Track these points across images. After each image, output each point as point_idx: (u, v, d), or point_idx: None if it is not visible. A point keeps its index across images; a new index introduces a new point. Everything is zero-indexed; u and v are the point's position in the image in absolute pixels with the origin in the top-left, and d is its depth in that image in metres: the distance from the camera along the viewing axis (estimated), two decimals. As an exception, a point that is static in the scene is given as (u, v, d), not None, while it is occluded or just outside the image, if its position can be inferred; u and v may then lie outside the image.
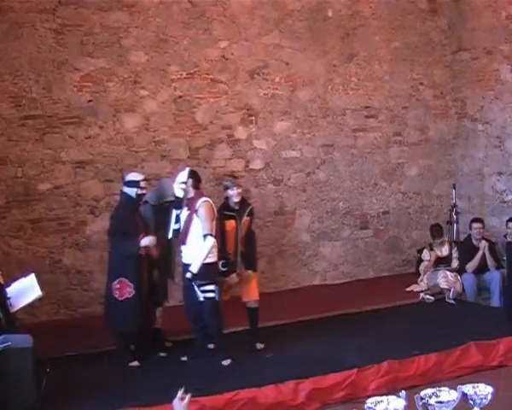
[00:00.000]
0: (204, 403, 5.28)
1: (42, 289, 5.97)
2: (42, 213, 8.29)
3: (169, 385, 5.67)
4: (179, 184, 6.13)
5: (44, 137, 8.28)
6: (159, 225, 6.49)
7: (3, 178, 8.15)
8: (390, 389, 4.93)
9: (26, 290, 5.81)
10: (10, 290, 5.71)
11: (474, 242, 8.59)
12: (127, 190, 6.42)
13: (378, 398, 2.73)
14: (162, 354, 6.59)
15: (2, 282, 5.72)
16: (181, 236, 6.20)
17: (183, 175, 6.18)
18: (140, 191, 6.37)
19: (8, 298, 5.61)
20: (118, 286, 6.23)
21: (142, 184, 6.42)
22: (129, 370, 6.21)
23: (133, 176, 6.53)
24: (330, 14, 9.63)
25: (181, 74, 8.87)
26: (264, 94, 9.32)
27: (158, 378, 5.93)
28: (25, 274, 6.04)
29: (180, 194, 6.14)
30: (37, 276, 6.05)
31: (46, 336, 6.61)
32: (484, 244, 8.50)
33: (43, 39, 8.23)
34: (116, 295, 6.22)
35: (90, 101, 8.45)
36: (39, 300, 6.35)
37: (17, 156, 8.18)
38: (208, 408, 5.28)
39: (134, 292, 6.19)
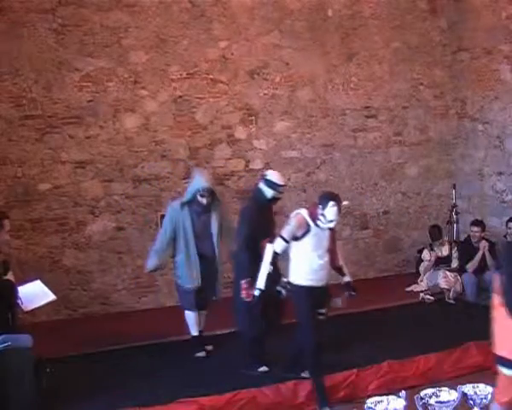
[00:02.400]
0: (204, 403, 5.28)
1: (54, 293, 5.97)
2: (42, 213, 8.30)
3: (169, 385, 5.70)
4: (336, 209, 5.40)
5: (44, 137, 8.28)
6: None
7: (3, 178, 8.15)
8: (390, 390, 4.92)
9: (36, 294, 5.82)
10: (20, 291, 5.69)
11: (474, 243, 8.59)
12: (264, 187, 6.08)
13: (378, 398, 2.74)
14: (200, 354, 6.58)
15: (14, 281, 5.69)
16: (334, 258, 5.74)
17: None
18: (277, 195, 6.07)
19: (19, 298, 5.59)
20: (245, 286, 5.88)
21: (281, 189, 6.09)
22: (129, 370, 6.19)
23: (276, 178, 6.10)
24: (330, 14, 9.64)
25: (181, 74, 8.87)
26: (264, 94, 9.32)
27: (158, 378, 5.93)
28: (30, 280, 6.02)
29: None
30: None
31: (46, 336, 6.62)
32: (484, 244, 8.50)
33: (44, 39, 8.23)
34: (243, 295, 5.87)
35: (90, 101, 8.45)
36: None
37: (17, 156, 8.19)
38: (208, 408, 5.28)
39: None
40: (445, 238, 9.07)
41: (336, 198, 5.47)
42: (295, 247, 5.49)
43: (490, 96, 9.64)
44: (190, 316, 6.64)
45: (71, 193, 8.42)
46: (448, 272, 8.47)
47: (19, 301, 5.59)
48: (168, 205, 6.93)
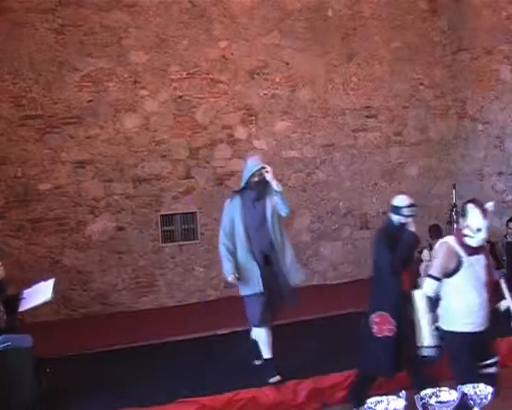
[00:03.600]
0: (204, 403, 5.28)
1: (54, 294, 5.88)
2: (42, 213, 8.30)
3: (169, 385, 5.69)
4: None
5: (44, 137, 8.28)
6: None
7: (3, 178, 8.16)
8: (390, 389, 4.91)
9: (38, 293, 5.77)
10: (27, 292, 5.65)
11: None
12: (391, 214, 5.31)
13: (378, 398, 2.73)
14: (273, 380, 5.65)
15: (3, 276, 5.62)
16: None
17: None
18: (404, 220, 5.20)
19: (22, 298, 5.55)
20: (377, 320, 5.22)
21: (407, 211, 5.21)
22: (129, 370, 6.19)
23: (398, 200, 5.30)
24: (330, 14, 9.64)
25: (181, 74, 8.87)
26: (264, 94, 9.33)
27: (158, 378, 5.92)
28: (45, 278, 5.96)
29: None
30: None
31: (46, 336, 6.61)
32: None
33: (44, 39, 8.23)
34: (374, 330, 5.23)
35: (90, 101, 8.45)
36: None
37: (17, 156, 8.19)
38: (208, 408, 5.28)
39: (396, 330, 5.14)
40: (445, 238, 9.05)
41: (475, 200, 4.62)
42: (446, 285, 4.58)
43: (490, 96, 9.64)
44: (259, 333, 5.72)
45: (71, 193, 8.43)
46: (448, 272, 8.45)
47: (18, 303, 5.55)
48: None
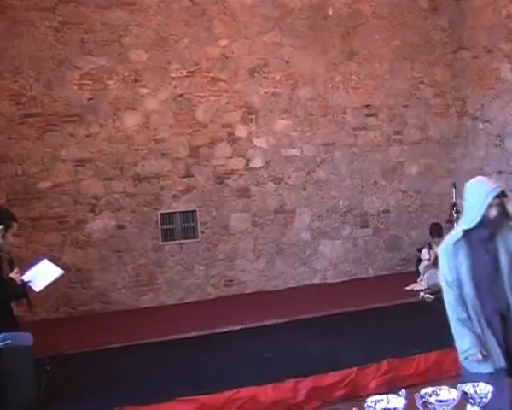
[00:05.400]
0: (204, 402, 5.28)
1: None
2: (42, 211, 8.30)
3: (168, 384, 5.70)
4: None
5: (44, 135, 8.28)
6: None
7: (4, 176, 8.16)
8: (390, 388, 4.91)
9: (45, 272, 5.77)
10: (27, 276, 5.64)
11: None
12: None
13: (378, 397, 2.73)
14: None
15: (15, 277, 5.60)
16: None
17: None
18: None
19: (28, 282, 5.54)
20: None
21: None
22: (128, 368, 6.19)
23: None
24: (331, 12, 9.63)
25: (181, 72, 8.87)
26: (265, 92, 9.32)
27: (157, 377, 5.92)
28: (37, 261, 5.96)
29: None
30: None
31: (46, 335, 6.62)
32: None
33: (44, 37, 8.23)
34: None
35: (90, 99, 8.45)
36: (40, 297, 6.34)
37: (17, 154, 8.19)
38: (208, 407, 5.28)
39: None
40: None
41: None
42: None
43: (490, 94, 9.64)
44: None
45: (71, 191, 8.43)
46: (448, 271, 8.45)
47: (29, 285, 5.54)
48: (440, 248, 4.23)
